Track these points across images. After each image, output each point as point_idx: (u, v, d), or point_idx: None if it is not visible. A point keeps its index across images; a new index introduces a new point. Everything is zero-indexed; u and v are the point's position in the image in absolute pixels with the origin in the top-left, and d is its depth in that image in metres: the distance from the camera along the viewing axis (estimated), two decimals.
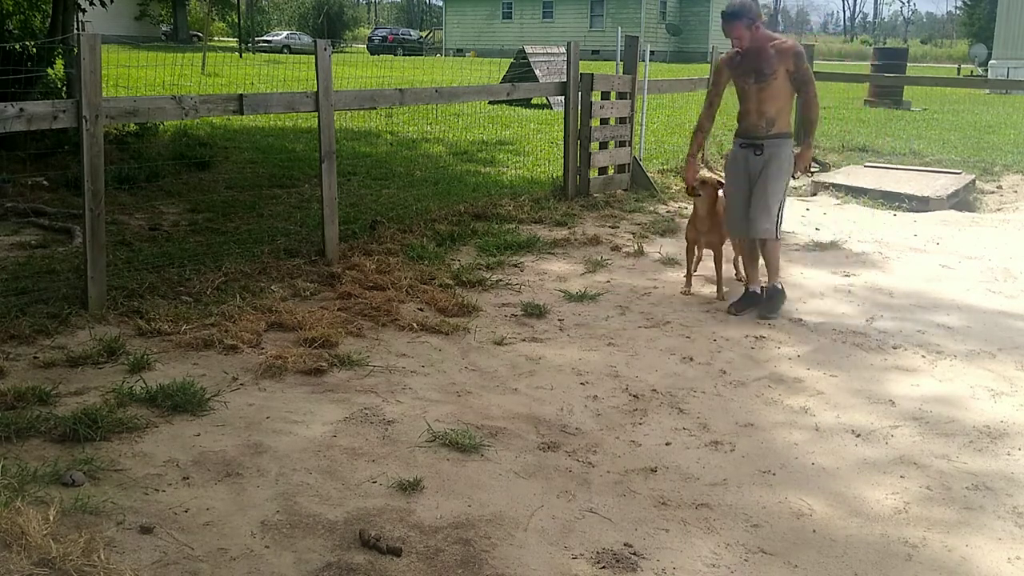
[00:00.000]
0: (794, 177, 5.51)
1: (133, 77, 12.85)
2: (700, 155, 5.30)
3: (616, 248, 6.96)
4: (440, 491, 3.25)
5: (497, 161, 10.94)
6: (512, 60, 18.34)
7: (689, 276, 5.89)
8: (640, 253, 6.82)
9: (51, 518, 2.80)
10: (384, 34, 50.32)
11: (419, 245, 6.46)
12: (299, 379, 4.22)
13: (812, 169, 5.51)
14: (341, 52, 37.62)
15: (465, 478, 3.37)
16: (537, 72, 16.88)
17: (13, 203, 7.20)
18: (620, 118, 8.99)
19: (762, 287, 5.53)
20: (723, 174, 5.75)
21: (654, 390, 4.28)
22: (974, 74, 30.35)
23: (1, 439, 3.40)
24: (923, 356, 4.81)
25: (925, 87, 21.33)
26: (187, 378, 4.01)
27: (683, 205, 8.67)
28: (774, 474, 3.49)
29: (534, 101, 17.72)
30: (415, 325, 4.95)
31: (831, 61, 48.43)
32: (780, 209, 5.40)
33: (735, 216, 5.45)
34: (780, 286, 5.50)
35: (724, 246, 5.84)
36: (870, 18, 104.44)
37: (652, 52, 10.85)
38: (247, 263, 5.79)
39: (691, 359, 4.69)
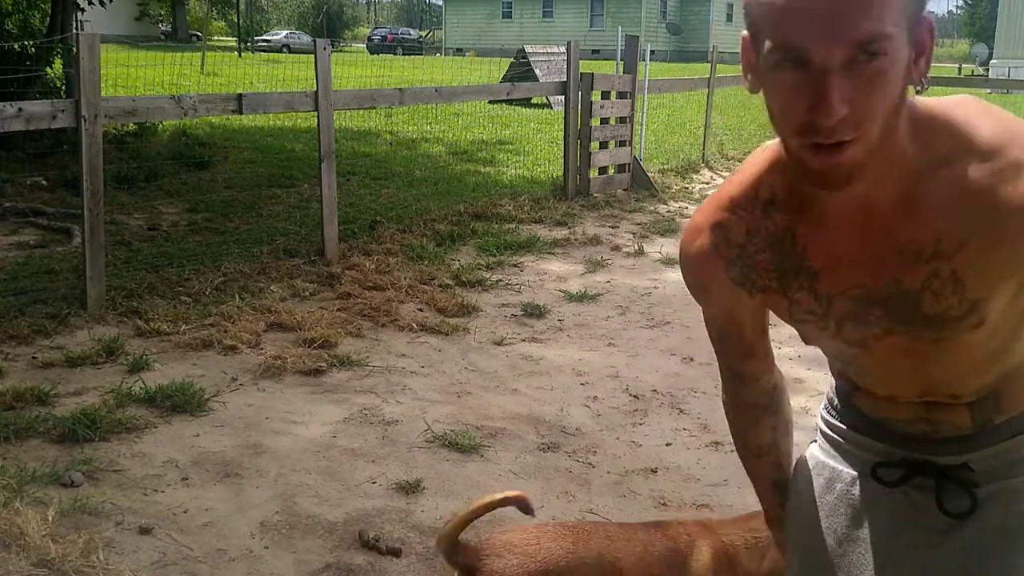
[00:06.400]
0: None
1: (132, 77, 12.80)
2: None
3: (616, 248, 6.96)
4: (440, 491, 3.25)
5: (497, 161, 10.92)
6: (512, 59, 18.31)
7: None
8: (640, 253, 6.81)
9: (50, 519, 2.80)
10: (384, 33, 50.26)
11: (419, 245, 6.45)
12: (298, 379, 4.21)
13: None
14: (340, 51, 37.55)
15: (465, 478, 3.36)
16: (537, 72, 16.86)
17: (12, 203, 7.19)
18: (620, 118, 8.98)
19: None
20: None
21: (654, 390, 4.27)
22: (975, 74, 30.34)
23: (0, 439, 3.40)
24: None
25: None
26: (186, 378, 4.00)
27: (684, 205, 8.66)
28: None
29: (534, 101, 17.70)
30: (415, 325, 4.95)
31: None
32: None
33: None
34: None
35: None
36: None
37: (652, 51, 10.84)
38: (246, 263, 5.78)
39: (691, 359, 4.68)
